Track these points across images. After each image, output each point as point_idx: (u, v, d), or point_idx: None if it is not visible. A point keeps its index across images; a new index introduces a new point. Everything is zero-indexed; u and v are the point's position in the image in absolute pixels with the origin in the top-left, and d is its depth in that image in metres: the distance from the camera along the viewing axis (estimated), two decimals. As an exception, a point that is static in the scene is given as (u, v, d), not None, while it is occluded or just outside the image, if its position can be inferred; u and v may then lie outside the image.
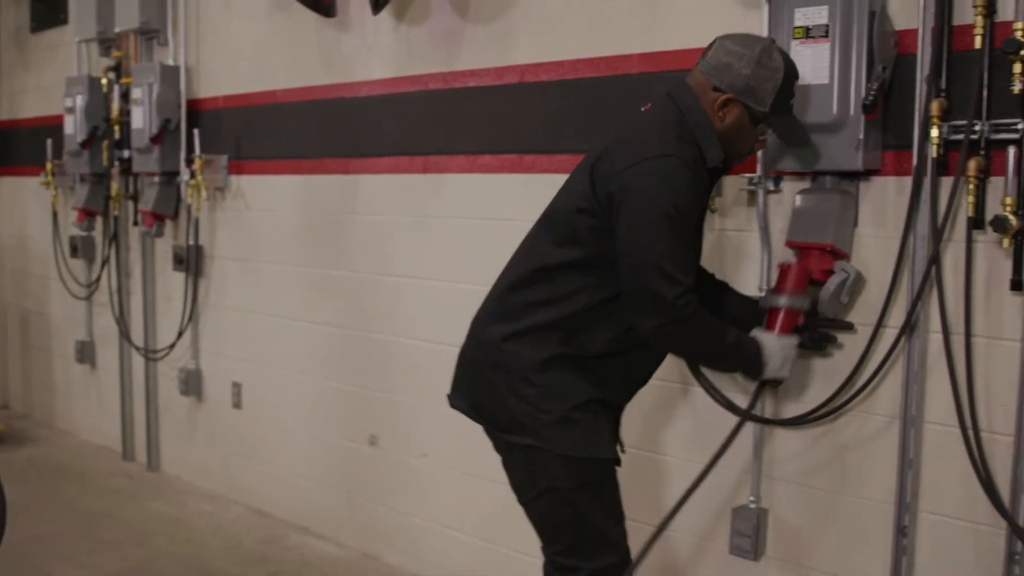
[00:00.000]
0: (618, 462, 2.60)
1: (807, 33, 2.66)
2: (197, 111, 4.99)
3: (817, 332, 2.75)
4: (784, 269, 2.74)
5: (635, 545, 2.64)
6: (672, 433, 3.24)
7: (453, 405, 2.68)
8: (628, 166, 2.37)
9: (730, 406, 2.92)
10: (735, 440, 2.79)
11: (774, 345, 2.62)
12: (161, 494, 5.10)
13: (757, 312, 2.73)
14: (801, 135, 2.62)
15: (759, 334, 2.65)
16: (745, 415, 2.78)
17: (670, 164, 2.35)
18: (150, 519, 4.73)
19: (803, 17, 2.67)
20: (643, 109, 2.57)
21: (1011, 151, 2.47)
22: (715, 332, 2.52)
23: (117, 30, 5.17)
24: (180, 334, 5.14)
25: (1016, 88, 2.42)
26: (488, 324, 2.58)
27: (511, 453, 2.57)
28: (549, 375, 2.47)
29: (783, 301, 2.69)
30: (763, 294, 2.89)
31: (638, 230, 2.36)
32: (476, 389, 2.60)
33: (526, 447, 2.49)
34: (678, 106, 2.47)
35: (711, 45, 2.51)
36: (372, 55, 4.12)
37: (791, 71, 2.48)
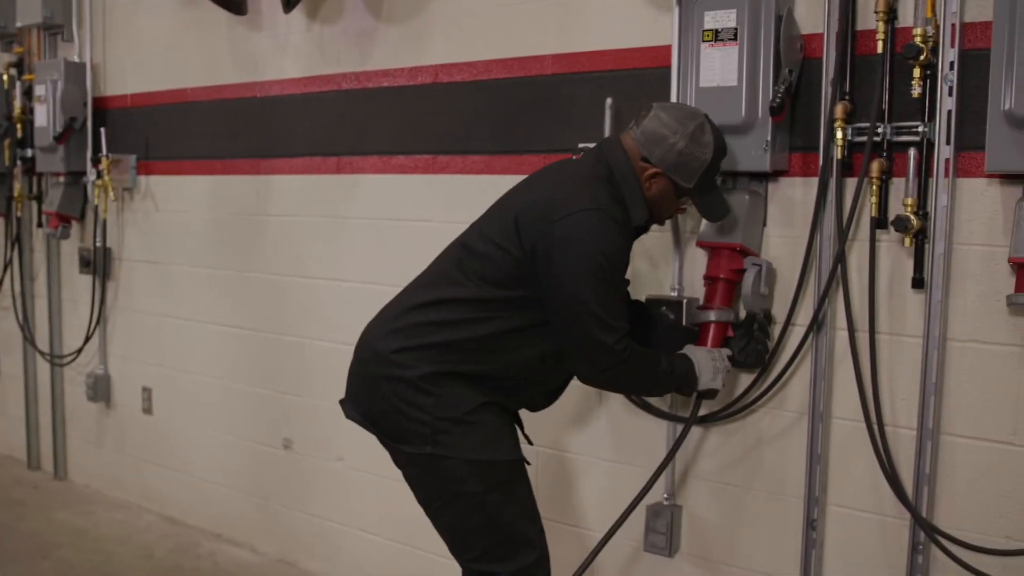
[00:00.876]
0: (526, 460, 2.60)
1: (716, 36, 2.70)
2: (104, 109, 4.87)
3: (752, 343, 2.77)
4: (711, 285, 2.79)
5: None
6: (584, 432, 3.26)
7: (348, 415, 2.64)
8: (558, 218, 2.36)
9: (660, 412, 2.96)
10: (648, 439, 2.82)
11: (704, 359, 2.66)
12: (68, 504, 4.96)
13: (678, 330, 2.80)
14: (720, 210, 2.63)
15: (691, 350, 2.69)
16: (690, 422, 2.81)
17: (599, 217, 2.36)
18: (57, 530, 4.59)
19: (712, 20, 2.71)
20: (574, 157, 2.59)
21: (911, 153, 2.54)
22: (650, 365, 2.56)
23: (19, 24, 5.01)
24: (87, 339, 5.00)
25: (916, 92, 2.49)
26: (381, 338, 2.54)
27: (412, 465, 2.54)
28: (444, 386, 2.45)
29: (712, 316, 2.75)
30: (674, 292, 2.94)
31: (572, 283, 2.37)
32: (370, 401, 2.56)
33: (427, 456, 2.46)
34: (608, 163, 2.48)
35: (647, 111, 2.49)
36: (284, 54, 4.07)
37: (720, 149, 2.50)
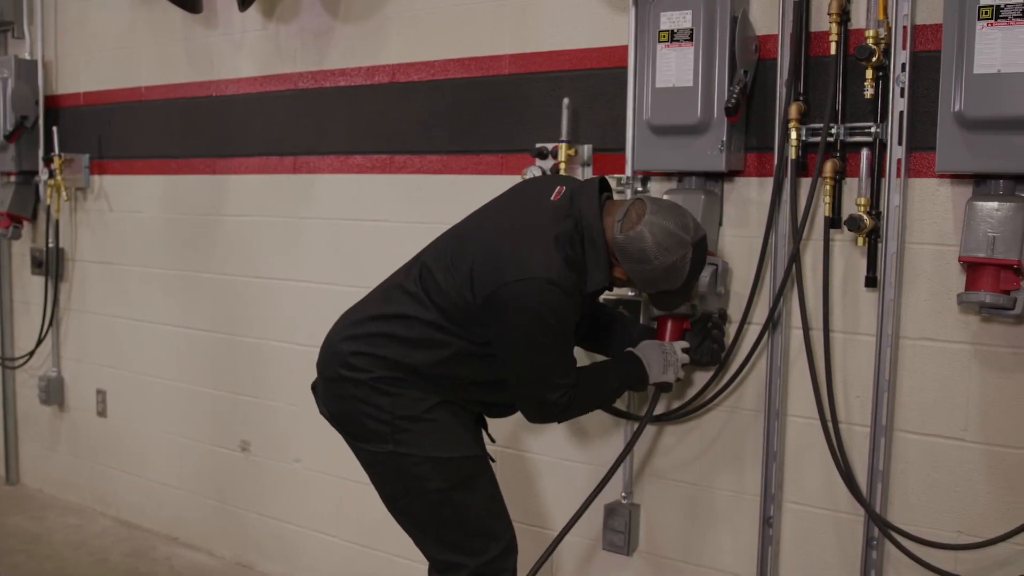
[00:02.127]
0: (491, 457, 2.61)
1: (672, 37, 2.71)
2: (56, 108, 4.80)
3: (708, 341, 2.78)
4: None
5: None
6: (544, 432, 3.26)
7: (320, 411, 2.65)
8: (508, 281, 2.33)
9: (618, 412, 2.97)
10: (607, 438, 2.83)
11: (654, 354, 2.66)
12: (21, 509, 4.88)
13: (636, 328, 2.80)
14: (676, 304, 2.59)
15: (642, 347, 2.68)
16: (645, 420, 2.82)
17: (548, 290, 2.32)
18: (9, 535, 4.52)
19: (668, 21, 2.72)
20: (552, 198, 2.45)
21: (864, 153, 2.57)
22: (596, 391, 2.60)
23: (-33, 21, 4.92)
24: (40, 341, 4.93)
25: (868, 93, 2.52)
26: (342, 340, 2.55)
27: (375, 463, 2.54)
28: (402, 385, 2.46)
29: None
30: (631, 292, 2.95)
31: (517, 350, 2.40)
32: (333, 400, 2.58)
33: (389, 454, 2.47)
34: (578, 220, 2.39)
35: (639, 214, 2.36)
36: (240, 53, 4.03)
37: (691, 277, 2.43)
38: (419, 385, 2.47)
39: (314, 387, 2.68)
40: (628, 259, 2.38)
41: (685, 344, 2.74)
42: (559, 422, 2.66)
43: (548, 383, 2.43)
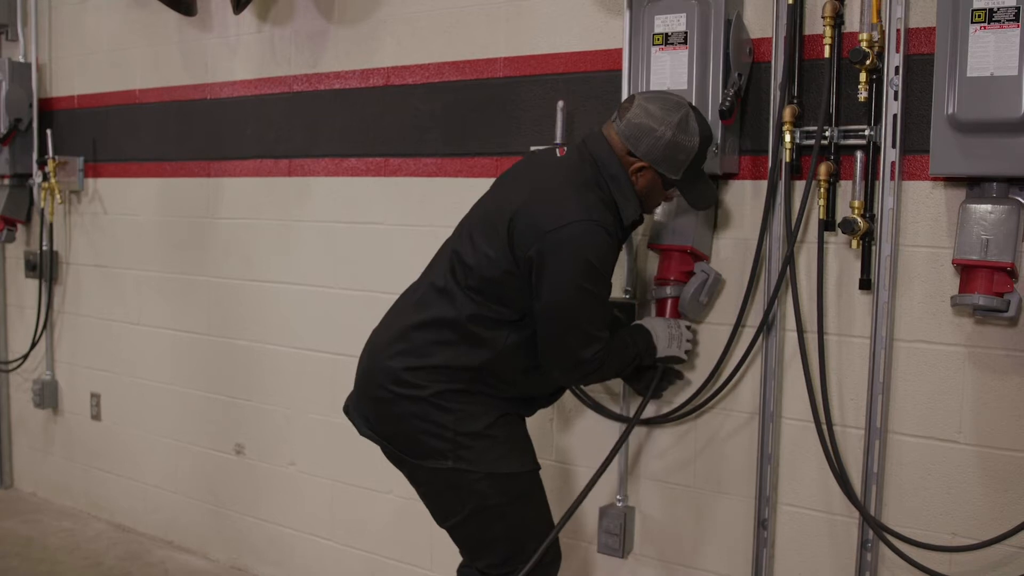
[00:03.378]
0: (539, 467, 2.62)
1: (666, 40, 2.72)
2: (50, 110, 4.80)
3: (662, 381, 2.79)
4: (665, 260, 2.82)
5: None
6: (537, 434, 3.26)
7: (361, 432, 2.61)
8: (550, 229, 2.33)
9: (613, 415, 2.97)
10: (605, 441, 2.82)
11: (660, 326, 2.69)
12: (14, 512, 4.86)
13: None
14: (709, 197, 2.59)
15: (648, 320, 2.73)
16: (632, 421, 2.82)
17: (592, 230, 2.34)
18: (2, 539, 4.50)
19: (662, 24, 2.72)
20: (558, 153, 2.55)
21: (858, 156, 2.57)
22: (620, 356, 2.58)
23: (-39, 24, 4.92)
24: (34, 344, 4.92)
25: (862, 96, 2.52)
26: (390, 357, 2.51)
27: (433, 481, 2.52)
28: (461, 399, 2.46)
29: (669, 291, 2.78)
30: (626, 295, 2.95)
31: (562, 295, 2.37)
32: (385, 420, 2.54)
33: (448, 471, 2.46)
34: (595, 161, 2.43)
35: (631, 102, 2.44)
36: (235, 55, 4.03)
37: (706, 138, 2.45)
38: (478, 392, 2.46)
39: (348, 409, 2.64)
40: (638, 140, 2.40)
41: (688, 323, 2.77)
42: (587, 384, 2.66)
43: (587, 337, 2.41)
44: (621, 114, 2.44)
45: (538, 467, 2.61)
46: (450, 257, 2.52)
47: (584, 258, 2.34)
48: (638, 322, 2.72)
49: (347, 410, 2.65)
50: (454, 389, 2.45)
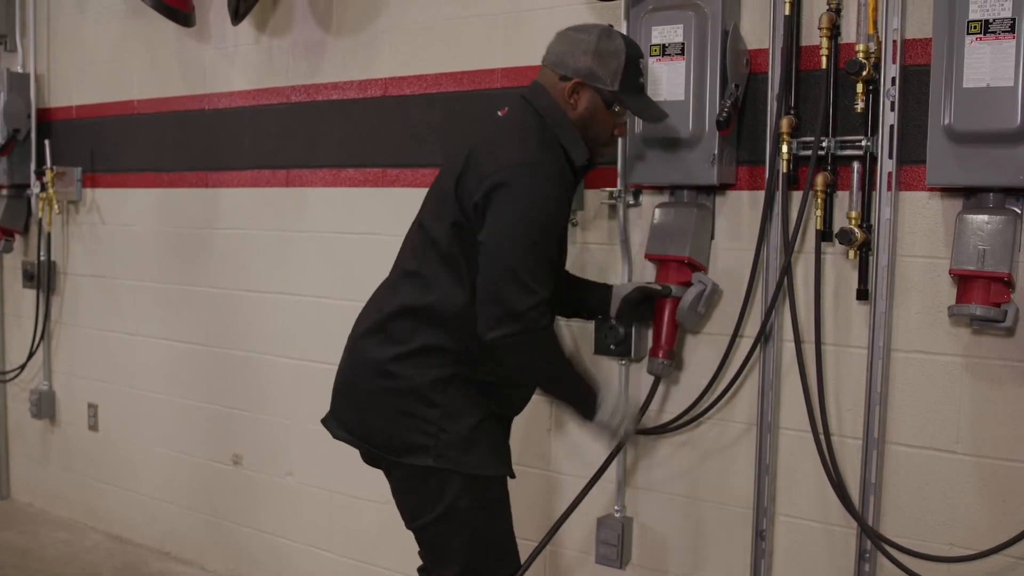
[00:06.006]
0: (511, 474, 2.58)
1: (663, 51, 2.72)
2: (48, 121, 4.80)
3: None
4: (662, 270, 2.82)
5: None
6: (532, 443, 3.26)
7: (335, 435, 2.58)
8: (491, 172, 2.30)
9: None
10: (596, 450, 2.82)
11: (611, 394, 2.49)
12: (11, 523, 4.85)
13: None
14: (656, 112, 2.55)
15: (607, 383, 2.57)
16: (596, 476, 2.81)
17: (535, 173, 2.29)
18: (-1, 550, 4.51)
19: (660, 35, 2.73)
20: (500, 114, 2.55)
21: (855, 167, 2.58)
22: (557, 356, 2.40)
23: (-40, 35, 4.92)
24: (31, 354, 4.91)
25: (859, 107, 2.53)
26: (371, 347, 2.48)
27: (408, 477, 2.48)
28: (448, 393, 2.41)
29: (675, 289, 2.77)
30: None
31: (498, 238, 2.29)
32: (364, 414, 2.50)
33: (427, 469, 2.42)
34: (535, 108, 2.43)
35: (553, 40, 2.49)
36: (233, 66, 4.04)
37: (633, 49, 2.45)
38: (466, 379, 2.41)
39: (324, 418, 2.62)
40: (565, 61, 2.42)
41: (640, 403, 2.61)
42: (510, 359, 2.35)
43: (520, 284, 2.26)
44: (546, 53, 2.48)
45: (512, 475, 2.56)
46: (414, 236, 2.50)
47: (523, 199, 2.28)
48: (597, 382, 2.51)
49: (324, 419, 2.62)
50: (443, 377, 2.39)
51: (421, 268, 2.45)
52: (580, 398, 2.47)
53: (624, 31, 2.85)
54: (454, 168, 2.43)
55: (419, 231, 2.50)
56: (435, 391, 2.40)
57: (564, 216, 2.42)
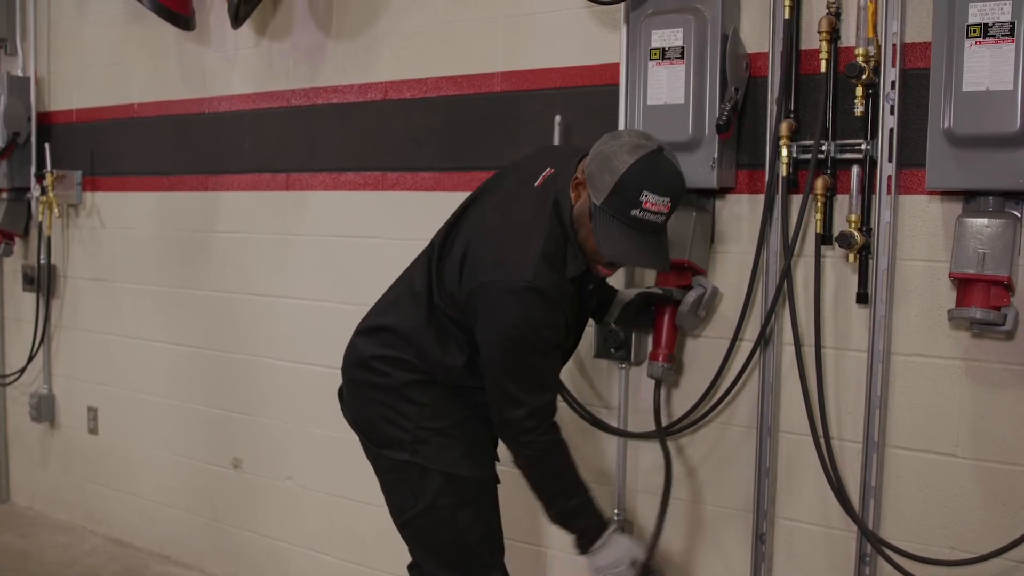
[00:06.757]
0: (497, 479, 2.60)
1: (663, 55, 2.72)
2: (48, 124, 4.80)
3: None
4: (662, 273, 2.81)
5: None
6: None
7: (344, 415, 2.67)
8: (485, 281, 2.30)
9: (609, 428, 2.96)
10: (600, 456, 2.82)
11: (618, 544, 2.46)
12: (11, 527, 4.85)
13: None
14: (621, 254, 2.31)
15: (618, 530, 2.51)
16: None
17: (522, 297, 2.25)
18: (-2, 553, 4.50)
19: (659, 39, 2.73)
20: (536, 184, 2.41)
21: (855, 170, 2.58)
22: (561, 473, 2.42)
23: (-40, 38, 4.92)
24: (31, 358, 4.91)
25: (859, 110, 2.52)
26: (361, 343, 2.57)
27: (390, 471, 2.54)
28: (427, 392, 2.47)
29: (676, 293, 2.77)
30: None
31: (486, 349, 2.35)
32: (356, 405, 2.60)
33: (405, 463, 2.47)
34: (556, 203, 2.33)
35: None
36: (233, 70, 4.04)
37: (639, 179, 2.20)
38: (444, 391, 2.47)
39: (340, 392, 2.70)
40: (591, 154, 2.28)
41: (644, 555, 2.50)
42: (517, 461, 2.41)
43: (509, 397, 2.33)
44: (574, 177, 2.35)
45: (493, 477, 2.57)
46: (430, 259, 2.52)
47: (510, 325, 2.28)
48: (607, 521, 2.49)
49: (340, 393, 2.70)
50: (421, 380, 2.46)
51: (424, 297, 2.49)
52: (577, 528, 2.45)
53: (624, 34, 2.85)
54: (469, 232, 2.42)
55: (436, 257, 2.50)
56: (413, 390, 2.47)
57: (557, 334, 2.38)
